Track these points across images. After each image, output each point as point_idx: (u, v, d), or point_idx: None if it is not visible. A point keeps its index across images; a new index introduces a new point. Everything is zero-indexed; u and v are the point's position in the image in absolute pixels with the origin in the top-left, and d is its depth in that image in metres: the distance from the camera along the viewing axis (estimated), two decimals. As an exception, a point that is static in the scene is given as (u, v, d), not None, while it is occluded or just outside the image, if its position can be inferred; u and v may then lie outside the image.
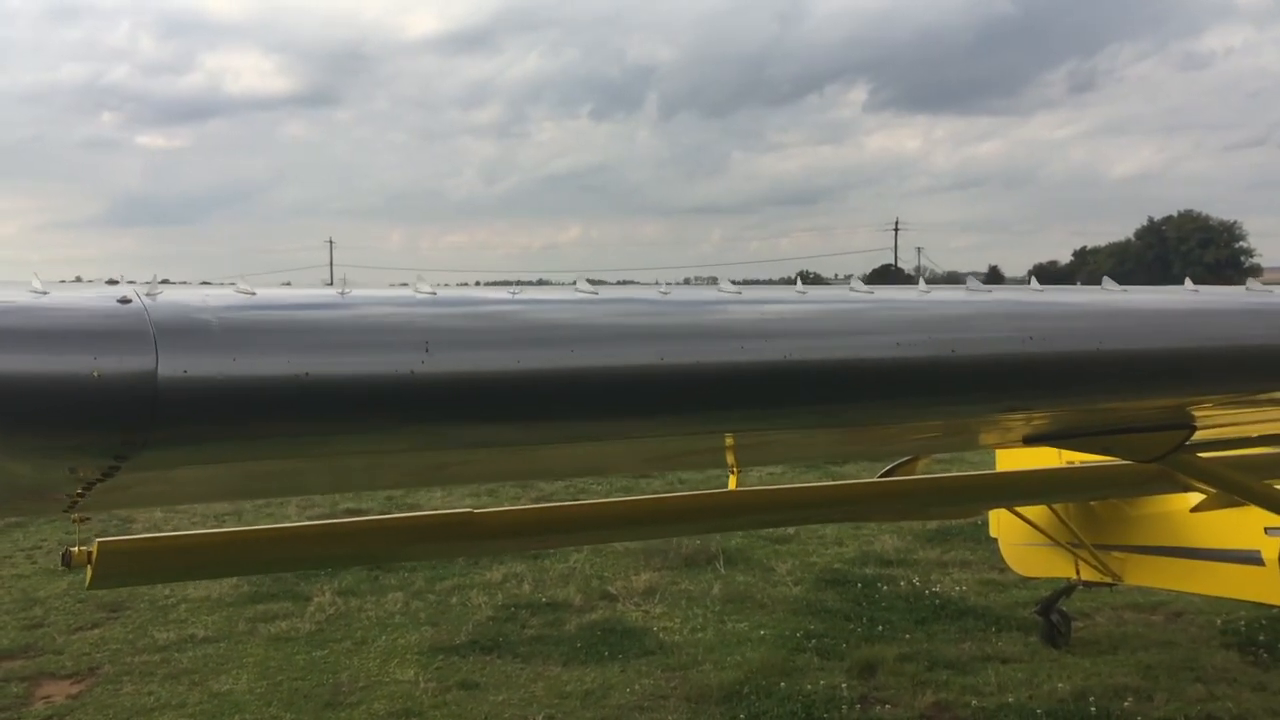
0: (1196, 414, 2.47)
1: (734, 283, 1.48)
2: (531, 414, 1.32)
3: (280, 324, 1.22)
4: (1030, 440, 2.77)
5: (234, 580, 9.70)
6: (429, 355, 1.23)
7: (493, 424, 1.32)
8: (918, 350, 1.47)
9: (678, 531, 7.16)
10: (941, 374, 1.50)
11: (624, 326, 1.38)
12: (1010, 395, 1.61)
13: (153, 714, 7.08)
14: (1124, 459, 2.81)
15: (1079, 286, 1.87)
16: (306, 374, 1.17)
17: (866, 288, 1.58)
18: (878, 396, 1.50)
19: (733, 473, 3.48)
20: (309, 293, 1.31)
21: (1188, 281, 1.83)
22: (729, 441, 2.35)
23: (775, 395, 1.43)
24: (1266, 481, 3.13)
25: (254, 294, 1.25)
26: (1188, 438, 2.65)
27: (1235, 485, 2.93)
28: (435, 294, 1.33)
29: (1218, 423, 2.77)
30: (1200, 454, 2.87)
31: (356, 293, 1.30)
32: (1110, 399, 1.77)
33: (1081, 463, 4.95)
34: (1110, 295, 1.70)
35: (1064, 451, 4.91)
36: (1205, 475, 2.83)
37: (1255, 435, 2.95)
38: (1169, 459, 2.73)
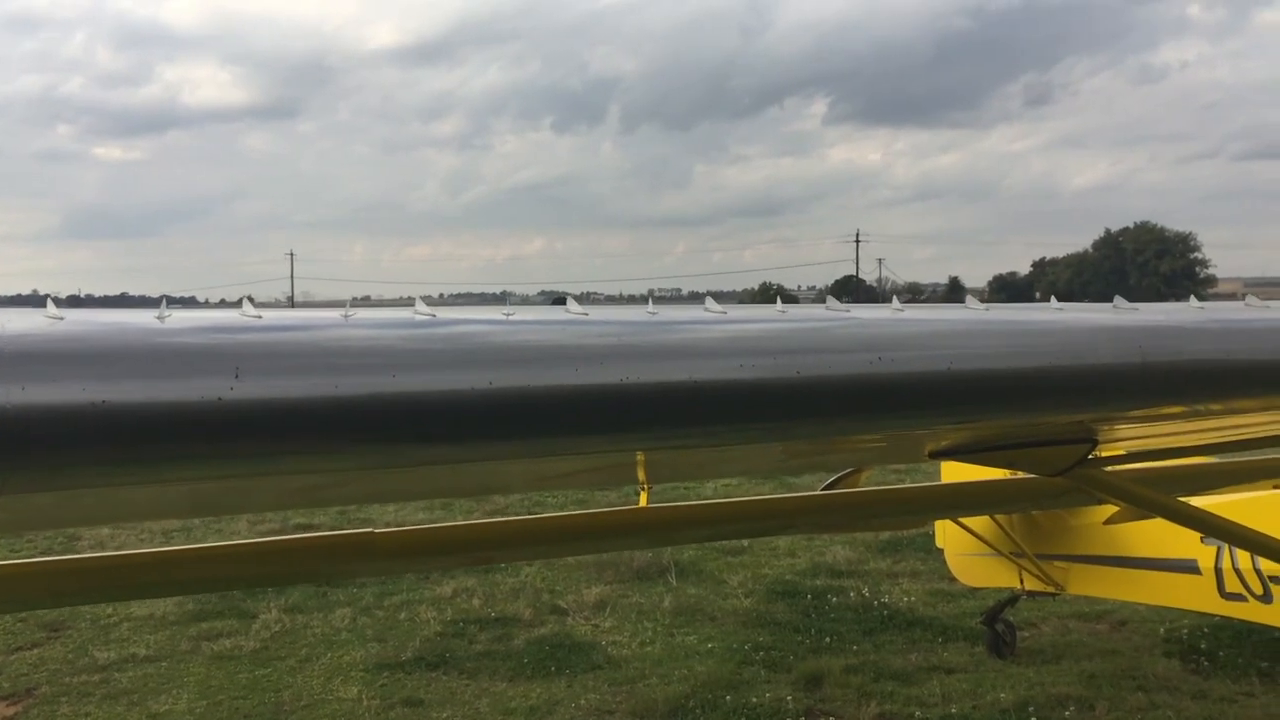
0: (1095, 428, 2.47)
1: (578, 300, 1.46)
2: (351, 442, 1.29)
3: (79, 350, 1.18)
4: (935, 455, 2.77)
5: (178, 598, 9.57)
6: (239, 381, 1.20)
7: (310, 453, 1.29)
8: (762, 372, 1.46)
9: (591, 549, 7.14)
10: (787, 396, 1.49)
11: (454, 351, 1.35)
12: (859, 416, 1.59)
13: (89, 736, 6.98)
14: (1029, 474, 2.81)
15: (942, 305, 1.87)
16: (103, 402, 1.14)
17: (720, 308, 1.56)
18: (724, 419, 1.49)
19: (643, 489, 3.45)
20: (124, 316, 1.27)
21: (1053, 299, 1.83)
22: (639, 457, 2.32)
23: (617, 418, 1.41)
24: (1174, 495, 3.14)
25: (62, 318, 1.22)
26: (1089, 452, 2.65)
27: (1139, 498, 2.94)
28: (260, 317, 1.30)
29: (1120, 437, 2.77)
30: (1107, 468, 2.87)
31: (176, 315, 1.27)
32: (963, 418, 1.76)
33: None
34: (969, 314, 1.70)
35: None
36: (1111, 489, 2.83)
37: (1161, 449, 2.96)
38: (1073, 473, 2.73)
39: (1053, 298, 1.84)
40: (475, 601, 9.67)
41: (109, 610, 9.41)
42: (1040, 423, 2.15)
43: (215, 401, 1.19)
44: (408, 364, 1.30)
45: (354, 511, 13.23)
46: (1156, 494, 2.95)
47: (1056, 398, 1.74)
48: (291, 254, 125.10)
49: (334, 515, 13.10)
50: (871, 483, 6.41)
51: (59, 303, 1.23)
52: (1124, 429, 2.48)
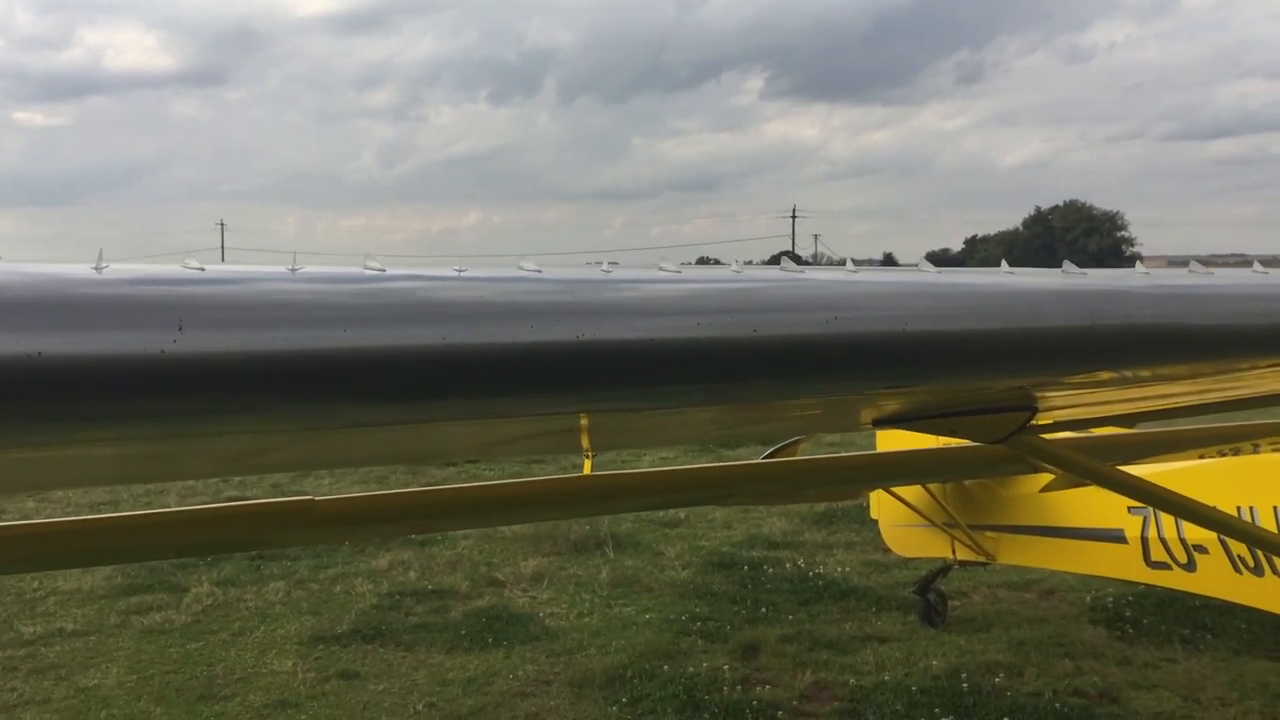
0: (1036, 395, 2.50)
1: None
2: (301, 397, 1.26)
3: (13, 299, 1.14)
4: (879, 423, 2.78)
5: (106, 571, 9.41)
6: (182, 334, 1.16)
7: (256, 409, 1.25)
8: (718, 330, 1.45)
9: (533, 517, 7.13)
10: (743, 354, 1.48)
11: (405, 306, 1.32)
12: (815, 376, 1.60)
13: (15, 710, 6.82)
14: (971, 440, 2.84)
15: (893, 268, 1.89)
16: (39, 353, 1.10)
17: (675, 267, 1.55)
18: (680, 378, 1.48)
19: (587, 457, 3.44)
20: (57, 267, 1.22)
21: (1004, 264, 1.85)
22: (584, 423, 2.31)
23: (571, 376, 1.39)
24: (1110, 463, 3.20)
25: (-8, 266, 1.17)
26: (1029, 419, 2.67)
27: (1077, 465, 2.99)
28: (203, 270, 1.26)
29: (1058, 404, 2.81)
30: (1045, 435, 2.91)
31: (114, 267, 1.22)
32: (917, 379, 1.77)
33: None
34: (922, 277, 1.70)
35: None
36: (1049, 456, 2.87)
37: (1097, 417, 3.01)
38: (1013, 440, 2.76)
39: (1003, 261, 1.85)
40: (411, 574, 9.62)
41: (34, 584, 9.22)
42: (987, 387, 2.16)
43: (158, 354, 1.15)
44: (358, 319, 1.27)
45: (288, 485, 13.09)
46: (1093, 461, 3.00)
47: (1006, 360, 1.75)
48: (222, 224, 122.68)
49: (268, 489, 12.94)
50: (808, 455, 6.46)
51: None
52: (1065, 396, 2.51)
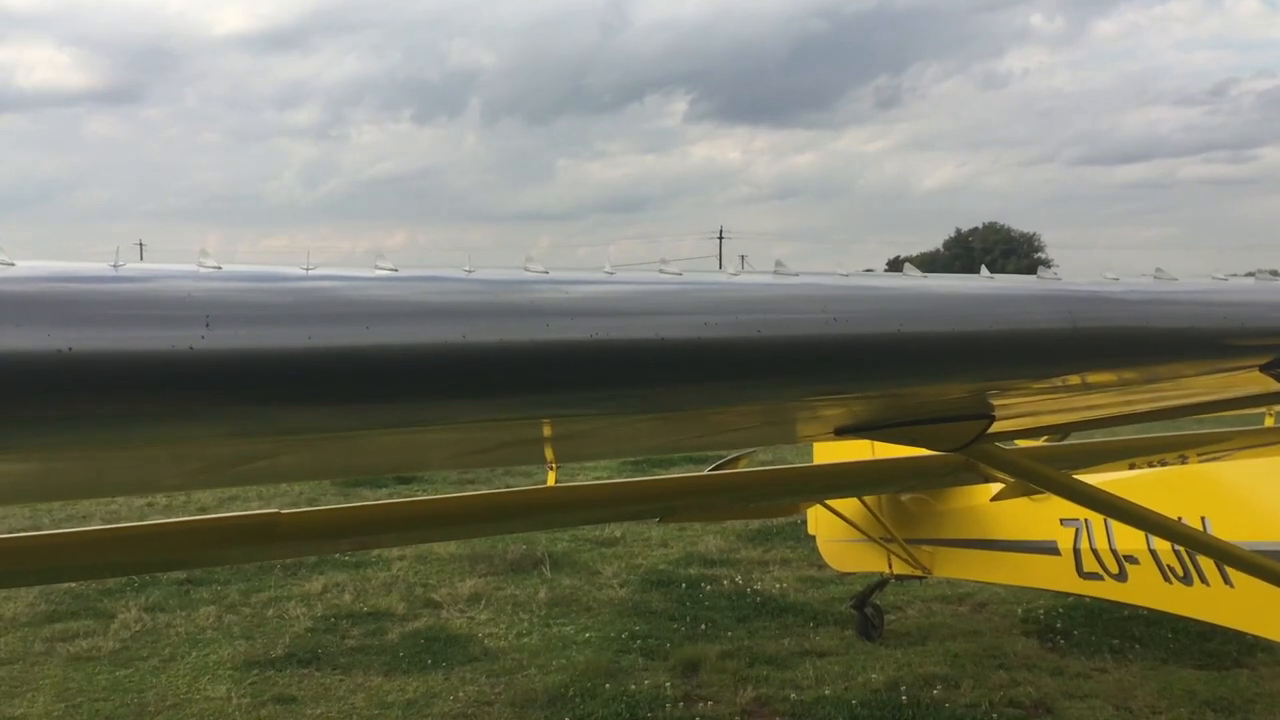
0: (995, 403, 2.56)
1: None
2: (325, 394, 1.26)
3: (41, 295, 1.12)
4: (842, 431, 2.83)
5: (30, 598, 9.15)
6: (210, 330, 1.16)
7: (282, 405, 1.25)
8: (724, 330, 1.48)
9: (495, 530, 7.09)
10: (747, 354, 1.52)
11: (425, 304, 1.34)
12: (815, 376, 1.63)
13: (-66, 744, 6.61)
14: (929, 449, 2.90)
15: (881, 273, 1.94)
16: (70, 349, 1.09)
17: (675, 270, 1.58)
18: (687, 378, 1.51)
19: (551, 469, 3.44)
20: (77, 265, 1.21)
21: (984, 270, 1.91)
22: (546, 432, 2.31)
23: (583, 374, 1.41)
24: (1063, 470, 3.29)
25: (13, 264, 1.16)
26: (987, 427, 2.74)
27: (1030, 473, 3.07)
28: (220, 268, 1.26)
29: (1015, 413, 2.89)
30: (1000, 444, 2.98)
31: (131, 266, 1.22)
32: (909, 381, 1.81)
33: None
34: (910, 281, 1.76)
35: (876, 447, 5.09)
36: (1004, 465, 2.94)
37: (1049, 425, 3.10)
38: (971, 449, 2.82)
39: (983, 267, 1.91)
40: (346, 597, 9.49)
41: (-48, 613, 8.93)
42: (952, 393, 2.22)
43: (187, 350, 1.14)
44: (380, 315, 1.27)
45: (215, 509, 12.82)
46: (1048, 469, 3.08)
47: (998, 361, 1.81)
48: (141, 244, 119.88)
49: (194, 512, 12.66)
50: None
51: None
52: (1025, 402, 2.58)
